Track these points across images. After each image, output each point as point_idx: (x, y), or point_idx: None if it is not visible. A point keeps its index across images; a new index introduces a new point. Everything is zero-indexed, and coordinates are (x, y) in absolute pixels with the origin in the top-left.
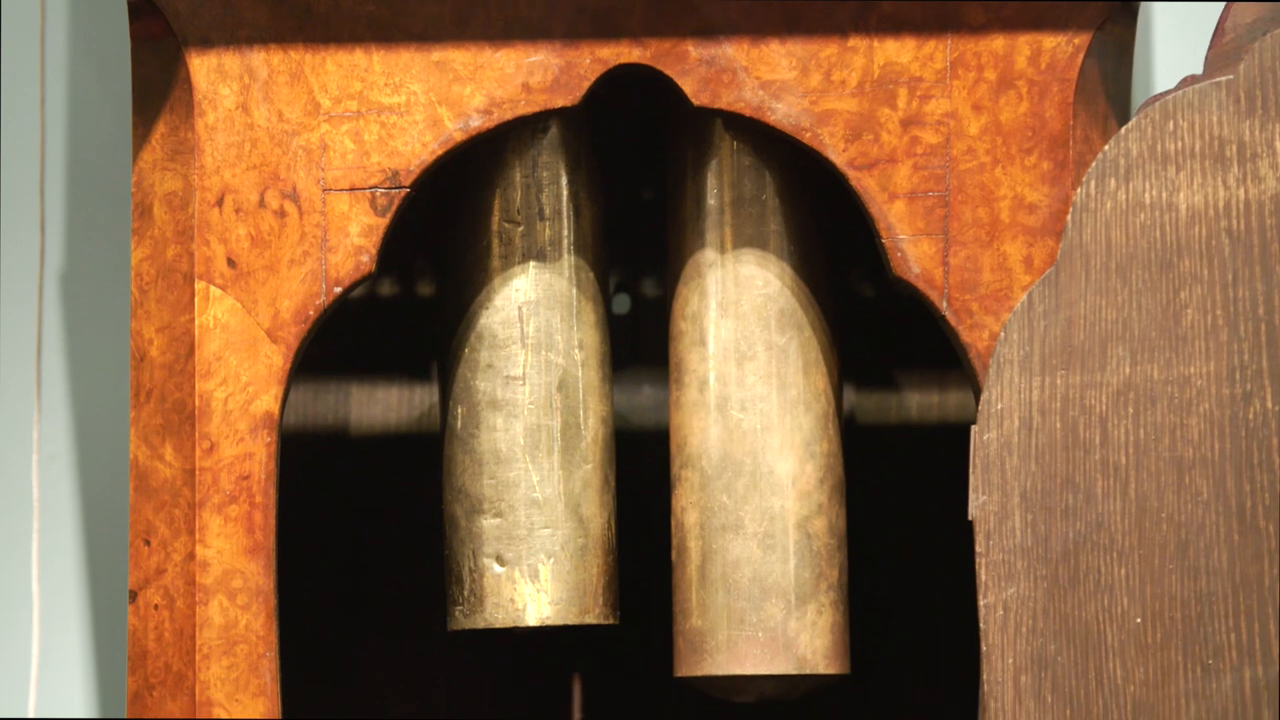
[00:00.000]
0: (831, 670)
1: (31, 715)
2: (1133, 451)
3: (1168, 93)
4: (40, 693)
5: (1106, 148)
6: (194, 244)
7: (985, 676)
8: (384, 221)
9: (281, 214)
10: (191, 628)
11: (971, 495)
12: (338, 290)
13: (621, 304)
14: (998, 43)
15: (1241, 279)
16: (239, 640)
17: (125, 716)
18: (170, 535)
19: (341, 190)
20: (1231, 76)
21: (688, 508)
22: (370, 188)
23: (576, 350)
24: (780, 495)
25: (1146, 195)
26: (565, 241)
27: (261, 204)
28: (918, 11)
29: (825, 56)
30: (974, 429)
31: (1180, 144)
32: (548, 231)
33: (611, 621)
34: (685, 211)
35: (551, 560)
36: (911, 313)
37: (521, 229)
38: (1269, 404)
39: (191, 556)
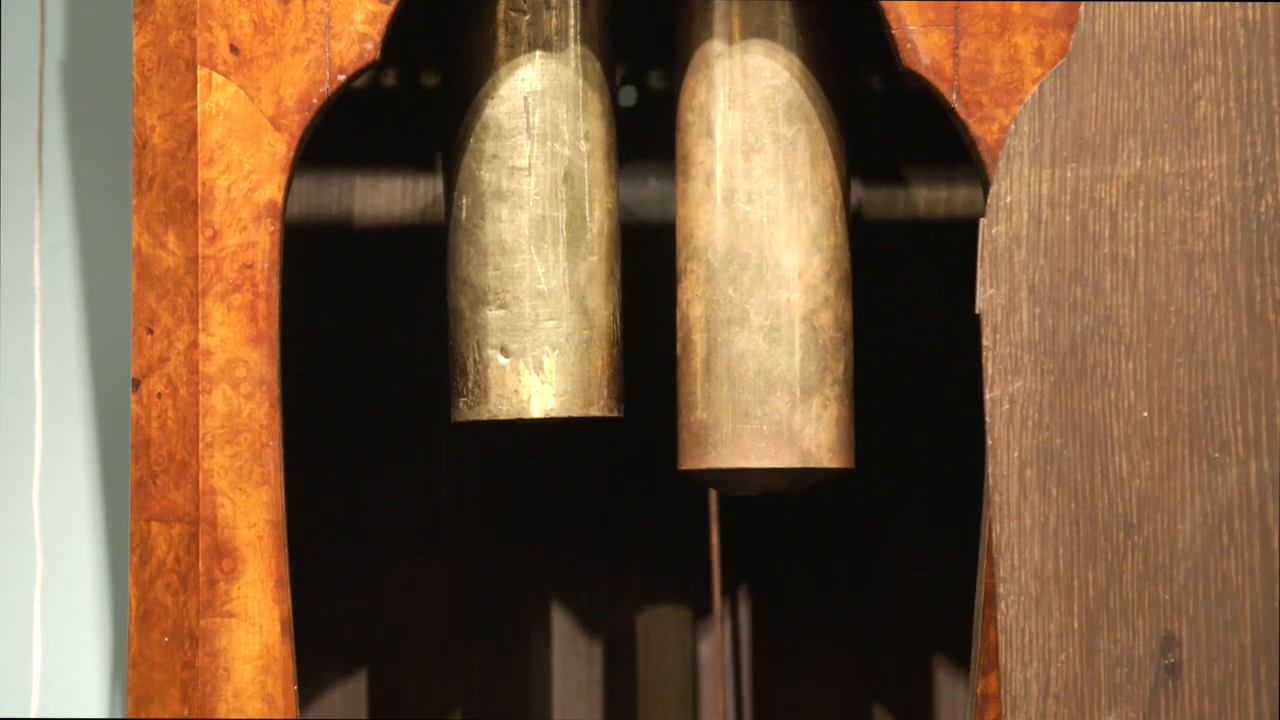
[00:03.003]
0: (835, 464)
1: (37, 497)
2: (1142, 245)
3: None
4: (44, 481)
5: None
6: (196, 30)
7: (990, 470)
8: (389, 9)
9: None
10: (194, 416)
11: (979, 289)
12: (342, 78)
13: (628, 96)
14: None
15: (1256, 70)
16: (242, 429)
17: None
18: (173, 324)
19: None
20: None
21: (693, 301)
22: None
23: (582, 141)
24: (786, 288)
25: None
26: (572, 31)
27: None
28: None
29: None
30: (982, 222)
31: None
32: (554, 20)
33: (615, 414)
34: (693, 1)
35: (556, 352)
36: (920, 106)
37: (527, 17)
38: None
39: (194, 345)
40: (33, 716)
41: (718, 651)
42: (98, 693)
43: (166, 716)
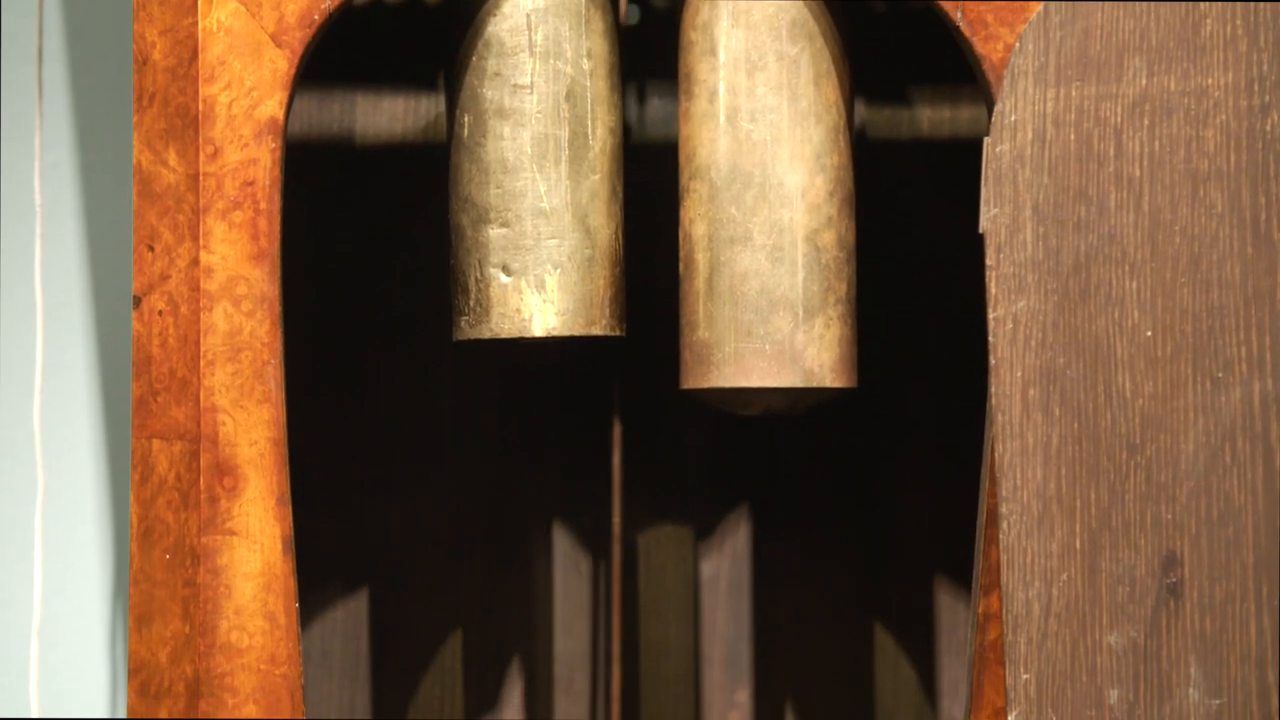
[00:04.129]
0: (838, 384)
1: (38, 414)
2: (1147, 164)
3: None
4: (45, 399)
5: None
6: None
7: (993, 390)
8: None
9: None
10: (195, 334)
11: (983, 208)
12: None
13: (632, 15)
14: None
15: None
16: (243, 347)
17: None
18: (174, 241)
19: None
20: None
21: (696, 220)
22: None
23: (585, 59)
24: (789, 208)
25: None
26: None
27: None
28: None
29: None
30: (986, 141)
31: None
32: None
33: (618, 333)
34: None
35: (558, 270)
36: (924, 26)
37: None
38: None
39: (195, 262)
40: (35, 631)
41: (616, 579)
42: (99, 610)
43: (168, 633)
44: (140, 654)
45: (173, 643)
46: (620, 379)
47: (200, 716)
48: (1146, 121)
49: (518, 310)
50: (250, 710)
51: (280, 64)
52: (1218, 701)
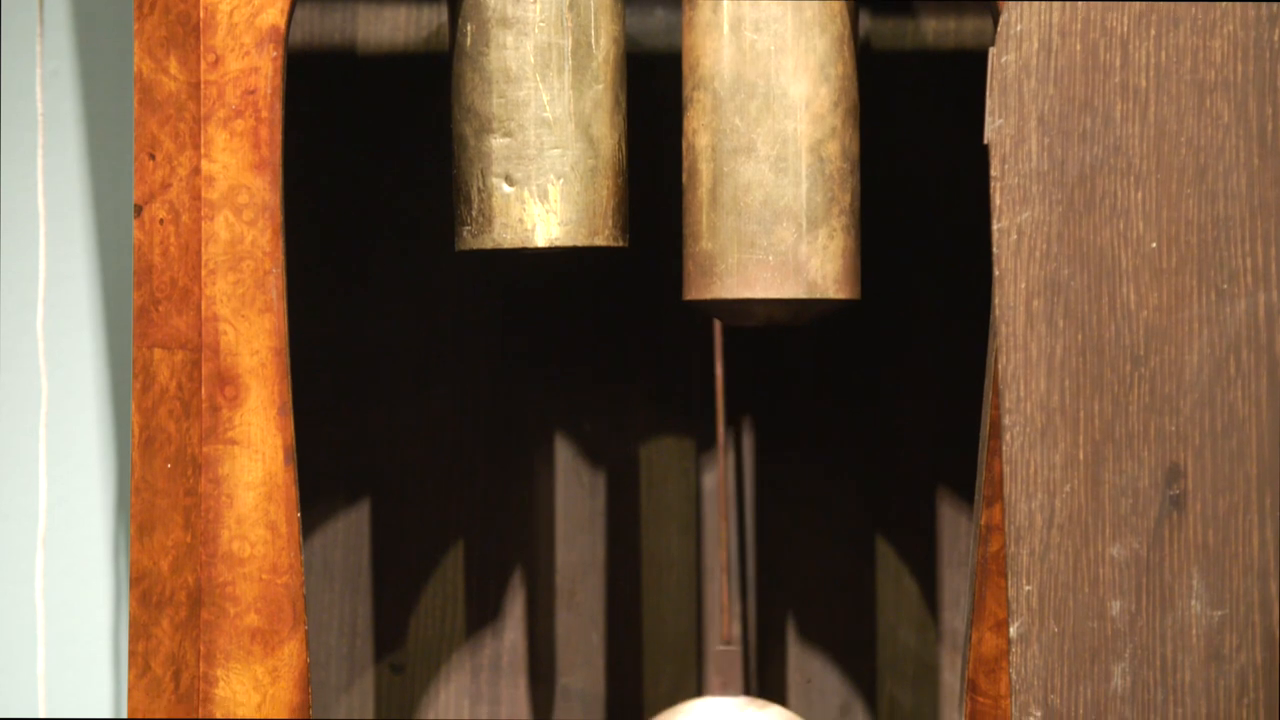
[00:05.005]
0: (841, 295)
1: (40, 323)
2: (1153, 74)
3: None
4: (47, 308)
5: None
6: None
7: (997, 301)
8: None
9: None
10: (197, 243)
11: (988, 119)
12: None
13: None
14: None
15: None
16: (245, 256)
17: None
18: (175, 149)
19: None
20: None
21: (699, 130)
22: None
23: None
24: (793, 118)
25: None
26: None
27: None
28: None
29: None
30: (992, 51)
31: None
32: None
33: (621, 244)
34: None
35: (561, 181)
36: None
37: None
38: None
39: (197, 171)
40: (41, 539)
41: (721, 484)
42: (101, 520)
43: (169, 542)
44: (142, 563)
45: (174, 552)
46: (623, 290)
47: (202, 625)
48: (1153, 31)
49: (520, 220)
50: (252, 619)
51: None
52: (1220, 613)
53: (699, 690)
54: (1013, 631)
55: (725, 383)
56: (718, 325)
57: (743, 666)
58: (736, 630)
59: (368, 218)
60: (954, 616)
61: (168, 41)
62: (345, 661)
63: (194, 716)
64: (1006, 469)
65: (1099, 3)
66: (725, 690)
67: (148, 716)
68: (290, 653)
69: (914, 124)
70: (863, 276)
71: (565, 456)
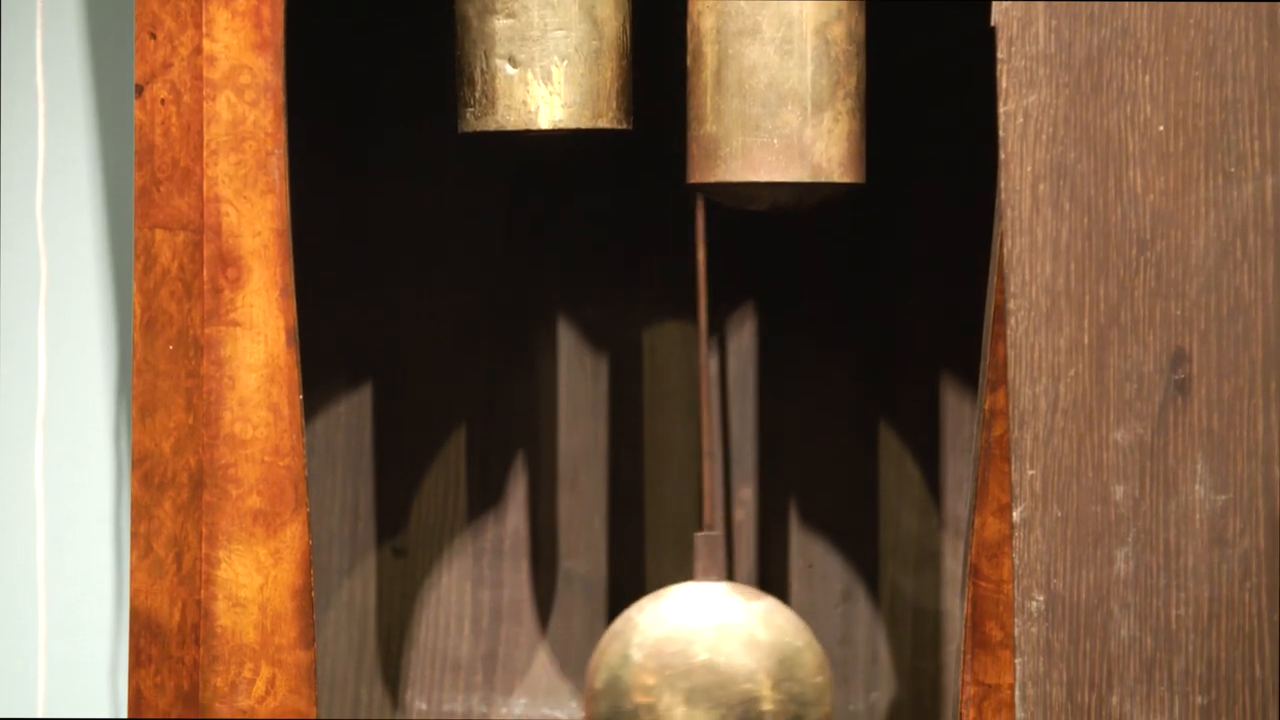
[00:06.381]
0: (846, 179)
1: (40, 205)
2: None
3: None
4: (47, 190)
5: None
6: None
7: (1003, 185)
8: None
9: None
10: (198, 123)
11: (994, 1)
12: None
13: None
14: None
15: None
16: (247, 137)
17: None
18: (176, 29)
19: None
20: None
21: (704, 12)
22: None
23: None
24: None
25: None
26: None
27: None
28: None
29: None
30: None
31: None
32: None
33: (625, 127)
34: None
35: (565, 62)
36: None
37: None
38: None
39: (198, 51)
40: (40, 422)
41: (703, 368)
42: (102, 402)
43: (171, 424)
44: (144, 445)
45: (176, 434)
46: (626, 173)
47: (204, 507)
48: None
49: (524, 102)
50: (254, 501)
51: None
52: (1223, 497)
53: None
54: (1016, 516)
55: (728, 269)
56: (699, 208)
57: (726, 552)
58: (720, 516)
59: (371, 100)
60: (956, 502)
61: None
62: (347, 545)
63: (196, 598)
64: (1011, 353)
65: None
66: (707, 576)
67: (150, 597)
68: (292, 535)
69: (920, 6)
70: (867, 161)
71: (568, 341)
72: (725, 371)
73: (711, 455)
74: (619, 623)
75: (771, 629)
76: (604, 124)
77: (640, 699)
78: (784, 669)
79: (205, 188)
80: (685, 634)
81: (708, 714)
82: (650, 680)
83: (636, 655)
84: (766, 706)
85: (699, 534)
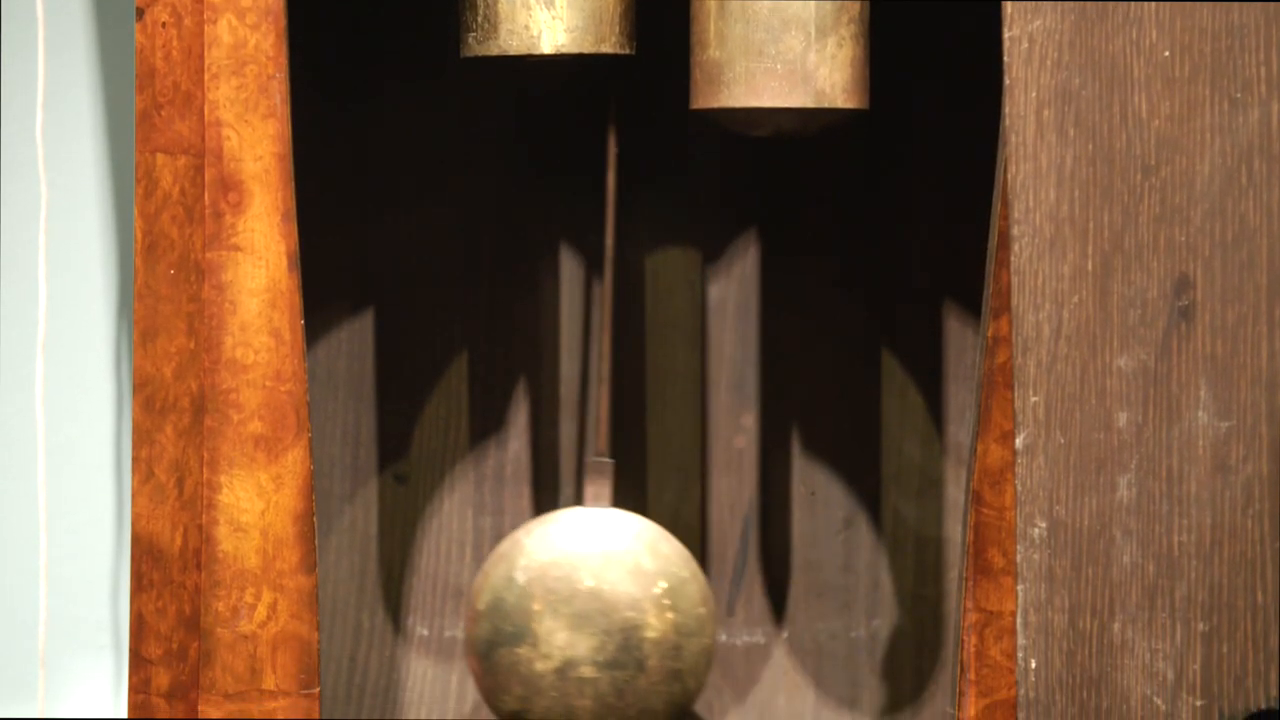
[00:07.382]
0: (850, 105)
1: (40, 129)
2: None
3: None
4: (47, 114)
5: None
6: None
7: (1007, 111)
8: None
9: None
10: (200, 47)
11: None
12: None
13: None
14: None
15: None
16: (248, 61)
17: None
18: None
19: None
20: None
21: None
22: None
23: None
24: None
25: None
26: None
27: None
28: None
29: None
30: None
31: None
32: None
33: (627, 51)
34: None
35: None
36: None
37: None
38: None
39: None
40: (40, 345)
41: (607, 289)
42: (103, 326)
43: (173, 348)
44: (145, 369)
45: (178, 358)
46: (629, 99)
47: (205, 432)
48: None
49: (526, 27)
50: (255, 426)
51: None
52: (1227, 424)
53: (703, 501)
54: (1018, 443)
55: (731, 193)
56: (612, 138)
57: (613, 480)
58: (610, 443)
59: (373, 23)
60: (959, 430)
61: None
62: (349, 471)
63: (197, 523)
64: (1014, 280)
65: None
66: (597, 502)
67: (152, 522)
68: (293, 460)
69: None
70: (871, 87)
71: (570, 267)
72: (727, 298)
73: (604, 381)
74: (506, 544)
75: (658, 558)
76: (607, 49)
77: (523, 622)
78: (668, 598)
79: (206, 111)
80: (571, 559)
81: (589, 639)
82: (534, 605)
83: (521, 578)
84: (649, 634)
85: (590, 459)
